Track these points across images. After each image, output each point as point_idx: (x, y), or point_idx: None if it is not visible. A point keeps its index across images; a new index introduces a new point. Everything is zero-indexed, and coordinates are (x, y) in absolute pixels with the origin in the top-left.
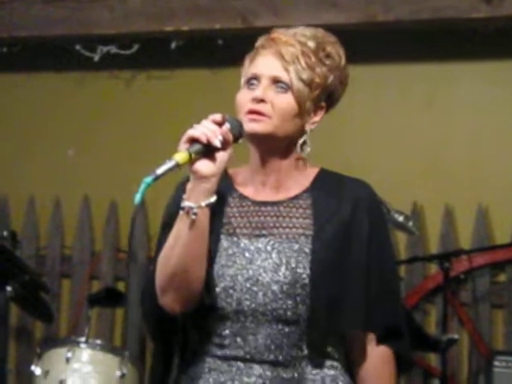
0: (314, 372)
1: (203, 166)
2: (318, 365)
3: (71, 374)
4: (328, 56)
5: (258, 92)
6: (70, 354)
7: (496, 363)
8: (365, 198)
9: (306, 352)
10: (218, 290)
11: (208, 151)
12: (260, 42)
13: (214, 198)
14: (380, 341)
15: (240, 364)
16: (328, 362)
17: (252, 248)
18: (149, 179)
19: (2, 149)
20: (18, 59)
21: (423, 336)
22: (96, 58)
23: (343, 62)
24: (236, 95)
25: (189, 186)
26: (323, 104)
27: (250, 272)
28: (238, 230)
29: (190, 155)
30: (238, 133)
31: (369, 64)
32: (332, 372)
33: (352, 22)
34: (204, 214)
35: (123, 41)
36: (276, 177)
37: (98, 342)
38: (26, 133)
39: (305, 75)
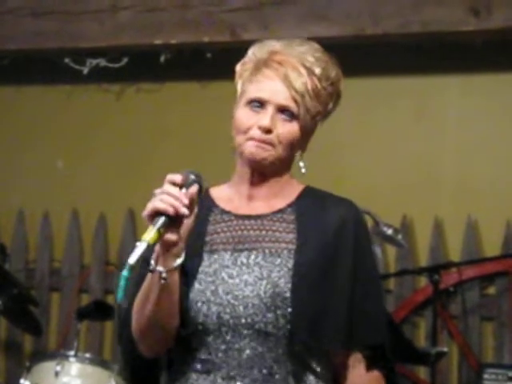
0: None
1: (171, 235)
2: (302, 381)
3: None
4: (331, 84)
5: (265, 121)
6: (59, 368)
7: (486, 376)
8: (350, 216)
9: (289, 367)
10: (199, 304)
11: (175, 220)
12: (261, 55)
13: (182, 258)
14: (371, 364)
15: (225, 380)
16: (311, 378)
17: (234, 263)
18: (125, 273)
19: None
20: (7, 72)
21: (412, 349)
22: (85, 71)
23: (341, 85)
24: (227, 112)
25: (156, 249)
26: (317, 122)
27: (231, 286)
28: (220, 246)
29: (159, 231)
30: (200, 188)
31: (357, 77)
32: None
33: (341, 35)
34: (173, 274)
35: (112, 54)
36: (264, 191)
37: (88, 355)
38: (15, 146)
39: (312, 108)
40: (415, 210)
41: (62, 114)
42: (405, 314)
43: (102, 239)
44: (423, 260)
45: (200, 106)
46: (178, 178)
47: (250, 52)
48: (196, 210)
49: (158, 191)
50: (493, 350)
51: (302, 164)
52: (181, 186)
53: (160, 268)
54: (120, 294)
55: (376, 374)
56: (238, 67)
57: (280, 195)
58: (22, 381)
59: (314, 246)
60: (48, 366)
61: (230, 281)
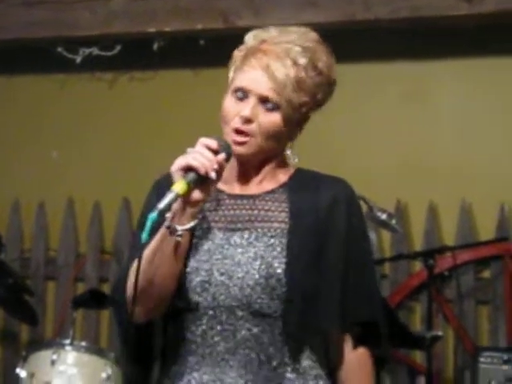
0: (297, 370)
1: (196, 194)
2: (300, 364)
3: (56, 377)
4: (319, 74)
5: (246, 111)
6: (55, 357)
7: (481, 359)
8: (343, 195)
9: (285, 352)
10: (193, 284)
11: (203, 180)
12: (252, 44)
13: (197, 220)
14: (357, 342)
15: (221, 362)
16: (307, 362)
17: (227, 242)
18: (153, 215)
19: None
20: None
21: (408, 333)
22: (78, 59)
23: (333, 74)
24: (221, 99)
25: (175, 207)
26: (309, 115)
27: (226, 266)
28: (212, 224)
29: (189, 185)
30: (229, 156)
31: (350, 63)
32: (313, 372)
33: (332, 21)
34: (186, 235)
35: (105, 42)
36: (252, 174)
37: (83, 344)
38: (9, 136)
39: (295, 99)
40: (409, 194)
41: (56, 104)
42: (400, 299)
43: (97, 228)
44: (418, 245)
45: (194, 94)
46: (213, 143)
47: (245, 39)
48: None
49: (190, 150)
50: (488, 334)
51: (289, 153)
52: (214, 152)
53: (176, 225)
54: (145, 235)
55: (362, 351)
56: (234, 54)
57: (272, 179)
58: (18, 370)
59: (307, 225)
60: (44, 355)
61: (225, 261)
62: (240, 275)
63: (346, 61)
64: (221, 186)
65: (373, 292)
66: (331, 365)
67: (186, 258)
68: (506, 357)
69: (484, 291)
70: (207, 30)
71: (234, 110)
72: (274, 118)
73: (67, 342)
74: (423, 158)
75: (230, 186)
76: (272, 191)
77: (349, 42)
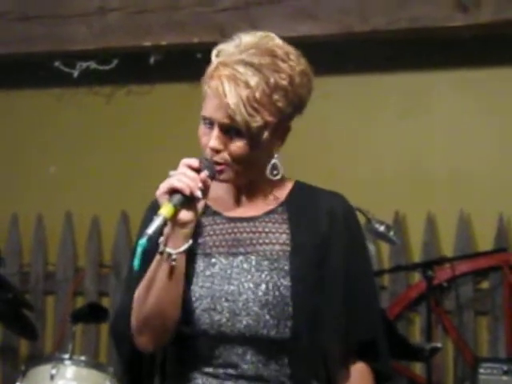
0: None
1: (184, 215)
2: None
3: None
4: (276, 88)
5: (211, 143)
6: (54, 371)
7: (481, 370)
8: (341, 210)
9: (289, 371)
10: (198, 311)
11: (189, 200)
12: (212, 66)
13: (190, 242)
14: (358, 357)
15: (228, 382)
16: (312, 382)
17: (230, 267)
18: (143, 241)
19: None
20: None
21: (407, 345)
22: (75, 74)
23: (298, 85)
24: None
25: (166, 231)
26: (287, 125)
27: (230, 292)
28: (214, 249)
29: (176, 208)
30: (213, 173)
31: (347, 74)
32: None
33: (329, 33)
34: (181, 258)
35: (102, 56)
36: (249, 194)
37: (83, 358)
38: (7, 150)
39: (254, 122)
40: (407, 206)
41: (53, 118)
42: (399, 310)
43: (95, 242)
44: (416, 256)
45: (191, 107)
46: (194, 162)
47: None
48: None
49: (173, 173)
50: (488, 345)
51: (277, 162)
52: (196, 171)
53: (170, 249)
54: (136, 261)
55: (362, 366)
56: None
57: (269, 194)
58: None
59: (308, 246)
60: (43, 370)
61: (230, 287)
62: (245, 300)
63: (343, 72)
64: (219, 209)
65: (373, 307)
66: (332, 381)
67: (190, 284)
68: (505, 368)
69: (483, 302)
70: (204, 43)
71: (206, 138)
72: (240, 144)
73: (66, 356)
74: (421, 170)
75: (228, 208)
76: (271, 211)
77: (346, 53)
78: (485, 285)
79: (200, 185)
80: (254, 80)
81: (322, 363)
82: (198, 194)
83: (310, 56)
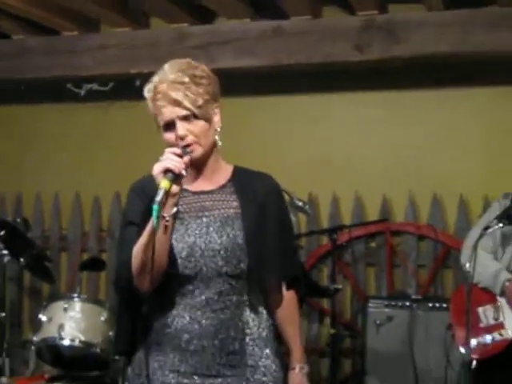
0: (252, 314)
1: (174, 188)
2: (254, 309)
3: (68, 320)
4: (201, 77)
5: (180, 131)
6: (66, 305)
7: (369, 304)
8: (272, 186)
9: (245, 298)
10: (178, 258)
11: (177, 177)
12: (150, 94)
13: (177, 208)
14: (288, 287)
15: (197, 311)
16: (260, 308)
17: (199, 226)
18: (156, 206)
19: (16, 159)
20: (24, 95)
21: (318, 287)
22: (82, 92)
23: (211, 75)
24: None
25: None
26: (215, 104)
27: (200, 243)
28: (185, 215)
29: (170, 182)
30: (190, 157)
31: (277, 95)
32: (264, 313)
33: (264, 65)
34: (171, 219)
35: (102, 80)
36: (205, 174)
37: (87, 296)
38: (28, 147)
39: (199, 101)
40: (318, 188)
41: (66, 125)
42: (312, 263)
43: (96, 214)
44: (325, 224)
45: None
46: (177, 150)
47: (145, 93)
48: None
49: (161, 158)
50: (374, 287)
51: (217, 138)
52: (179, 156)
53: (165, 214)
54: (155, 221)
55: (292, 293)
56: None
57: (217, 173)
58: (40, 315)
59: (252, 210)
60: (59, 305)
61: (201, 240)
62: (215, 247)
63: (274, 94)
64: (186, 186)
65: (296, 255)
66: (270, 307)
67: (171, 240)
68: (386, 302)
69: (371, 257)
70: None
71: (172, 137)
72: (200, 123)
73: (75, 295)
74: (327, 162)
75: (192, 185)
76: (223, 186)
77: (276, 80)
78: (372, 245)
79: (183, 166)
80: (185, 78)
81: (263, 292)
82: (183, 172)
83: (250, 80)
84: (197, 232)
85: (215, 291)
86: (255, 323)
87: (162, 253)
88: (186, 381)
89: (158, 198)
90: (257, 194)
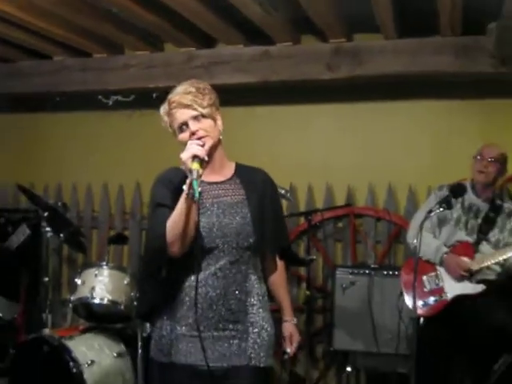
0: (253, 277)
1: (200, 171)
2: (256, 276)
3: (98, 283)
4: (204, 89)
5: (193, 128)
6: (96, 272)
7: (337, 272)
8: (267, 178)
9: (250, 267)
10: (202, 234)
11: (202, 162)
12: (165, 108)
13: (200, 188)
14: (280, 257)
15: (212, 277)
16: (259, 273)
17: (215, 209)
18: (195, 181)
19: (57, 156)
20: (64, 105)
21: (297, 257)
22: (110, 103)
23: (211, 89)
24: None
25: (187, 181)
26: (217, 111)
27: (218, 222)
28: (204, 200)
29: (199, 165)
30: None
31: (266, 105)
32: (262, 280)
33: (255, 82)
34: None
35: (125, 93)
36: (215, 166)
37: (113, 264)
38: (76, 145)
39: (205, 104)
40: (297, 180)
41: (98, 128)
42: (292, 239)
43: (121, 199)
44: (302, 208)
45: None
46: (200, 142)
47: (161, 111)
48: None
49: (188, 146)
50: (341, 258)
51: (221, 137)
52: (201, 146)
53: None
54: (196, 192)
55: (282, 262)
56: (161, 116)
57: (224, 168)
58: (75, 280)
59: (255, 197)
60: (91, 271)
61: (216, 219)
62: (228, 226)
63: (262, 105)
64: (203, 178)
65: (287, 231)
66: (265, 274)
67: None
68: (350, 270)
69: (339, 234)
70: None
71: (187, 135)
72: (207, 121)
73: (104, 263)
74: (305, 160)
75: (206, 177)
76: (230, 178)
77: (264, 94)
78: (340, 225)
79: (205, 153)
80: (192, 89)
81: (261, 262)
82: (206, 158)
83: (243, 93)
84: (214, 214)
85: (227, 261)
86: (256, 288)
87: (192, 224)
88: (197, 333)
89: (194, 175)
90: (257, 184)
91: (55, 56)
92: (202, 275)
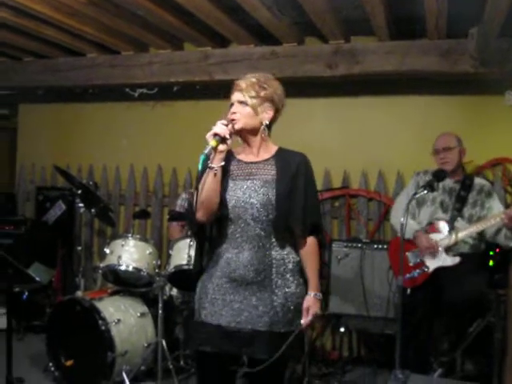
0: (277, 253)
1: (221, 147)
2: (280, 248)
3: (124, 252)
4: (264, 82)
5: (232, 109)
6: (123, 242)
7: (333, 245)
8: (303, 161)
9: (273, 240)
10: (229, 206)
11: (223, 139)
12: (233, 88)
13: (223, 162)
14: (311, 234)
15: (239, 247)
16: (287, 248)
17: (245, 185)
18: (203, 156)
19: (88, 142)
20: (95, 96)
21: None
22: (136, 95)
23: (274, 85)
24: (211, 118)
25: (211, 156)
26: (270, 106)
27: (245, 197)
28: (237, 177)
29: (217, 142)
30: (233, 128)
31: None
32: (292, 252)
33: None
34: (219, 170)
35: (150, 86)
36: (253, 149)
37: (138, 236)
38: (100, 132)
39: (253, 94)
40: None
41: (125, 117)
42: None
43: (145, 180)
44: None
45: (196, 114)
46: (225, 121)
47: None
48: (231, 139)
49: (215, 125)
50: (337, 232)
51: (262, 128)
52: (225, 125)
53: (213, 165)
54: (200, 167)
55: (313, 239)
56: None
57: (263, 150)
58: (105, 249)
59: (284, 177)
60: (118, 242)
61: (244, 194)
62: (253, 201)
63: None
64: (240, 157)
65: (318, 209)
66: (298, 248)
67: (225, 192)
68: (345, 244)
69: (335, 212)
70: (201, 81)
71: (229, 112)
72: (246, 108)
73: (129, 235)
74: (308, 147)
75: (244, 157)
76: (267, 160)
77: None
78: (336, 204)
79: (228, 132)
80: (253, 79)
81: (291, 239)
82: (227, 136)
83: None
84: (243, 189)
85: (251, 233)
86: (280, 259)
87: (212, 193)
88: (230, 297)
89: (206, 151)
90: (290, 166)
91: (88, 53)
92: (231, 245)
